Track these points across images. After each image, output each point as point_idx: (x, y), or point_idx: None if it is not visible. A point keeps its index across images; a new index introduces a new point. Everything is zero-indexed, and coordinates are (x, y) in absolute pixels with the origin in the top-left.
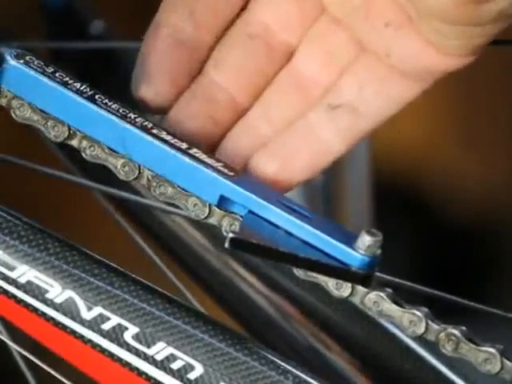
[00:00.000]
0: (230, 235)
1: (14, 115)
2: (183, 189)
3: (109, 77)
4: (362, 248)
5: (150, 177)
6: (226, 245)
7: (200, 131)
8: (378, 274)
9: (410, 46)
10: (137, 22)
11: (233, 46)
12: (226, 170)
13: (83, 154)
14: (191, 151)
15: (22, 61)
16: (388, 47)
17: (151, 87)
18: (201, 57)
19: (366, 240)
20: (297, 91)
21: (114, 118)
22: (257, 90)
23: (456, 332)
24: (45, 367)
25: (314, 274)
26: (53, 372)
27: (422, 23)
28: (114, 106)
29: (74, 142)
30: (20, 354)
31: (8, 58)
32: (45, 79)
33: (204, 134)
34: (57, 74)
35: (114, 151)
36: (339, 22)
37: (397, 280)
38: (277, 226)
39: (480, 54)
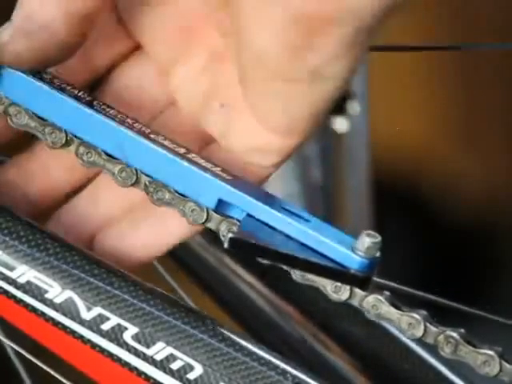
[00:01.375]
0: (230, 235)
1: (10, 122)
2: (181, 194)
3: None
4: (362, 250)
5: (147, 182)
6: (226, 245)
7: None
8: (376, 279)
9: (242, 126)
10: None
11: None
12: (224, 174)
13: (80, 161)
14: (189, 156)
15: None
16: (223, 129)
17: None
18: None
19: (365, 242)
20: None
21: (111, 122)
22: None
23: (454, 335)
24: (43, 366)
25: (312, 278)
26: (52, 372)
27: (249, 88)
28: (111, 112)
29: (72, 149)
30: (15, 353)
31: None
32: (43, 85)
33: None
34: (55, 80)
35: (112, 157)
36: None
37: (394, 285)
38: (275, 229)
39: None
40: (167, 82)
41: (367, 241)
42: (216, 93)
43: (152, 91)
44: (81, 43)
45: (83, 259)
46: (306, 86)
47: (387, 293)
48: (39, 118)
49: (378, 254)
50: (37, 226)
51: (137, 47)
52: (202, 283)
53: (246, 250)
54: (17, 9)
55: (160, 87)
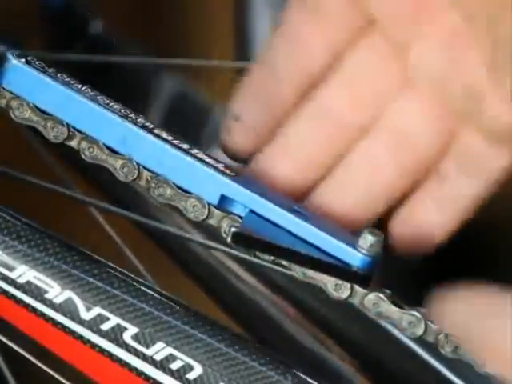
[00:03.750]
0: (233, 229)
1: (13, 116)
2: (183, 189)
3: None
4: (364, 248)
5: (149, 178)
6: (229, 239)
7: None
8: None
9: (488, 107)
10: (136, 22)
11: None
12: (227, 170)
13: (82, 155)
14: (192, 151)
15: (23, 60)
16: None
17: (232, 137)
18: (282, 112)
19: (368, 240)
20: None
21: (115, 117)
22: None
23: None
24: (43, 367)
25: (313, 276)
26: (52, 372)
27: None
28: (115, 107)
29: (74, 143)
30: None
31: (10, 57)
32: (47, 78)
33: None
34: (58, 75)
35: (114, 152)
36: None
37: None
38: (277, 226)
39: None
40: (402, 59)
41: (370, 238)
42: (456, 72)
43: (386, 69)
44: None
45: (83, 259)
46: None
47: (388, 291)
48: (41, 111)
49: (380, 252)
50: (36, 226)
51: (369, 23)
52: (203, 285)
53: (248, 244)
54: None
55: (394, 65)
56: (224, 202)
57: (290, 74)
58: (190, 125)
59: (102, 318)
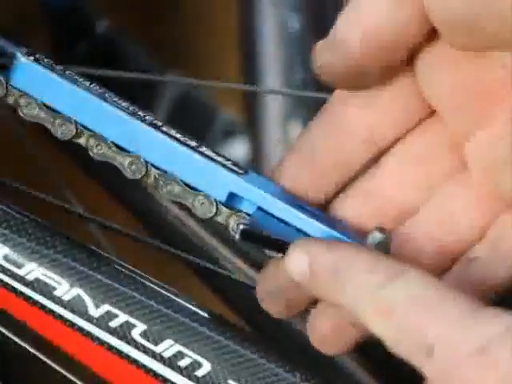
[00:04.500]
0: (242, 227)
1: (21, 113)
2: (191, 187)
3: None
4: (373, 245)
5: (157, 175)
6: (237, 237)
7: None
8: None
9: None
10: (136, 22)
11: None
12: (235, 168)
13: (90, 153)
14: (201, 149)
15: (32, 58)
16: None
17: None
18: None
19: (376, 237)
20: None
21: (124, 114)
22: None
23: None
24: (50, 363)
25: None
26: (58, 368)
27: None
28: (123, 104)
29: (82, 141)
30: None
31: (18, 55)
32: (56, 76)
33: None
34: (66, 73)
35: (122, 149)
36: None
37: None
38: (285, 223)
39: None
40: (460, 147)
41: (379, 235)
42: None
43: (443, 158)
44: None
45: (91, 256)
46: None
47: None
48: (50, 109)
49: (388, 249)
50: (45, 224)
51: (427, 115)
52: (208, 282)
53: (257, 242)
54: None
55: (451, 153)
56: (232, 200)
57: (330, 166)
58: (195, 124)
59: (110, 315)
